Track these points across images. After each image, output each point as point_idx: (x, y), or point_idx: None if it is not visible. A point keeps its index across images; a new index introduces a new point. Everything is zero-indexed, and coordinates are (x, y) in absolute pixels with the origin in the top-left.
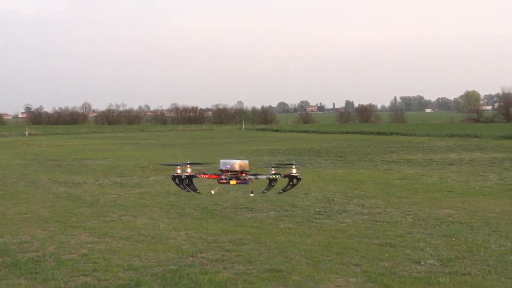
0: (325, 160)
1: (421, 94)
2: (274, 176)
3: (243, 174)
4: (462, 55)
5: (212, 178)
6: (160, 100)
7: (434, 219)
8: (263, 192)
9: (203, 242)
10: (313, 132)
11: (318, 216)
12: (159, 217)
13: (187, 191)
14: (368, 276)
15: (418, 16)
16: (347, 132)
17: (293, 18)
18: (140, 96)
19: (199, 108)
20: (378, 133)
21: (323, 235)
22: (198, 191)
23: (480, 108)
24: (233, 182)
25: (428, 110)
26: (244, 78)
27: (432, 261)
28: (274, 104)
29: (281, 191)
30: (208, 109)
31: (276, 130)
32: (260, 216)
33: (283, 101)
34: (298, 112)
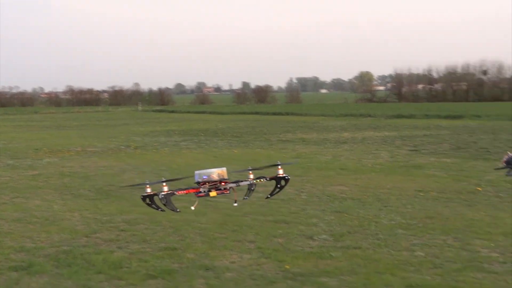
0: (221, 140)
1: (316, 75)
2: (258, 181)
3: (223, 184)
4: (355, 37)
5: (191, 192)
6: (54, 82)
7: (327, 196)
8: (244, 198)
9: (98, 223)
10: (210, 113)
11: None
12: (53, 199)
13: (161, 210)
14: (262, 252)
15: (308, 5)
16: (244, 113)
17: (189, 3)
18: (33, 78)
19: (94, 90)
20: (274, 114)
21: (218, 213)
22: (177, 210)
23: (373, 89)
24: (213, 193)
25: (323, 91)
26: (141, 60)
27: (324, 236)
28: (171, 86)
29: (269, 196)
30: (104, 91)
31: (173, 111)
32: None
33: (180, 82)
34: (195, 93)
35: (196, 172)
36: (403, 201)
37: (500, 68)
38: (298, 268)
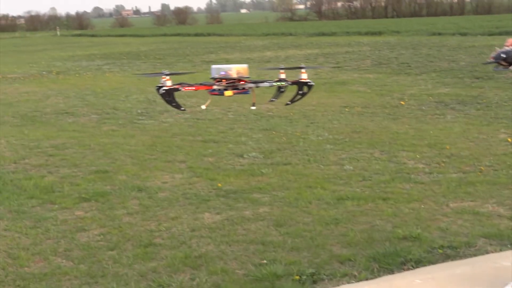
0: (144, 63)
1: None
2: (279, 83)
3: (242, 82)
4: None
5: (202, 89)
6: None
7: (254, 115)
8: (270, 100)
9: (25, 149)
10: (131, 35)
11: (140, 117)
12: None
13: (182, 110)
14: (193, 171)
15: None
16: (165, 35)
17: None
18: None
19: (10, 15)
20: (196, 35)
21: (146, 135)
22: (182, 108)
23: (293, 7)
24: (228, 93)
25: (243, 11)
26: None
27: (254, 153)
28: (89, 10)
29: (289, 102)
30: (20, 17)
31: (93, 35)
32: (82, 120)
33: (98, 6)
34: (114, 16)
35: (213, 66)
36: (329, 117)
37: None
38: (230, 186)
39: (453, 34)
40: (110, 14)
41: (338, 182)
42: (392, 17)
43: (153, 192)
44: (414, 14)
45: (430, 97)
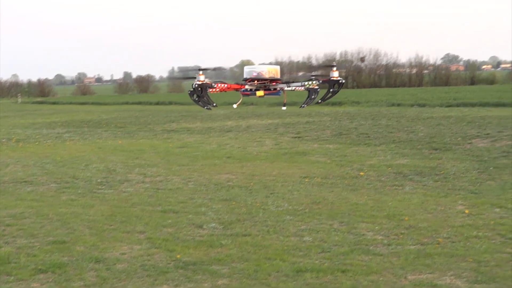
0: (105, 131)
1: (198, 64)
2: (310, 83)
3: (273, 83)
4: (236, 25)
5: (234, 89)
6: None
7: (215, 184)
8: (301, 107)
9: None
10: (92, 103)
11: (100, 187)
12: None
13: (207, 108)
14: (152, 242)
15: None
16: (127, 103)
17: None
18: None
19: None
20: (157, 103)
21: (106, 205)
22: (213, 104)
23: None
24: (260, 93)
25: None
26: (18, 49)
27: (214, 224)
28: (51, 77)
29: (320, 101)
30: None
31: (54, 103)
32: (40, 189)
33: (60, 73)
34: (76, 84)
35: (246, 67)
36: (289, 188)
37: (376, 55)
38: (189, 257)
39: (412, 105)
40: (72, 82)
41: (297, 254)
42: (353, 87)
43: (111, 264)
44: (374, 85)
45: (389, 168)
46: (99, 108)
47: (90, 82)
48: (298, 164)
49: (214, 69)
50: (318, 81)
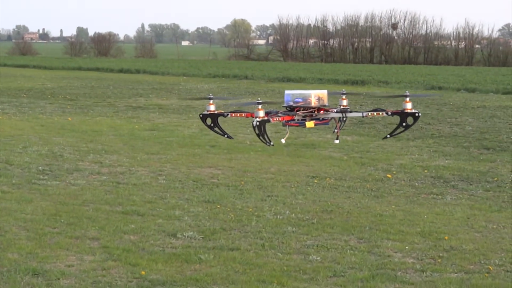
0: (50, 104)
1: (176, 22)
2: (375, 113)
3: (322, 111)
4: None
5: (283, 120)
6: None
7: (194, 181)
8: (334, 131)
9: None
10: (34, 67)
11: (41, 177)
12: None
13: (227, 136)
14: (109, 253)
15: None
16: (80, 69)
17: None
18: None
19: None
20: (121, 71)
21: (48, 200)
22: (271, 143)
23: (251, 42)
24: (310, 124)
25: (185, 43)
26: None
27: (191, 233)
28: None
29: (388, 136)
30: None
31: None
32: None
33: None
34: (14, 40)
35: (287, 92)
36: (292, 190)
37: (413, 21)
38: (157, 275)
39: (458, 90)
40: (9, 37)
41: (300, 277)
42: (380, 63)
43: (53, 278)
44: (408, 61)
45: (425, 170)
46: (43, 73)
47: (32, 39)
48: (304, 160)
49: (225, 98)
50: (387, 113)
